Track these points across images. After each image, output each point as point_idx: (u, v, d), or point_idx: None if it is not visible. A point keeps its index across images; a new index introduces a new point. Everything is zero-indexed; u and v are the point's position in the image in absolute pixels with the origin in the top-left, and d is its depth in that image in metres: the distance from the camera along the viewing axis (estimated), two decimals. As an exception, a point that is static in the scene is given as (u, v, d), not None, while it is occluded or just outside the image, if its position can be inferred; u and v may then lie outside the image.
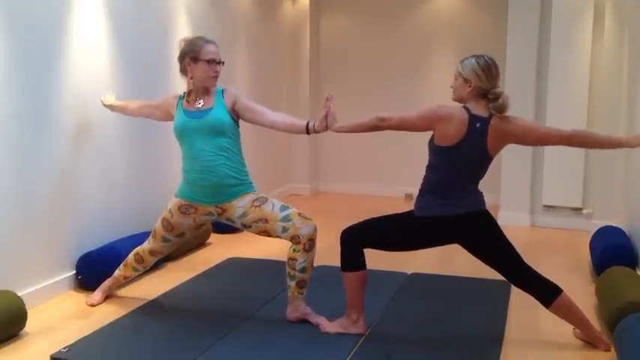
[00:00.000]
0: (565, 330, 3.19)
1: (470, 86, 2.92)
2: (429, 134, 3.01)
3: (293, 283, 3.25)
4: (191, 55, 3.26)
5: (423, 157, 3.08)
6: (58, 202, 3.69)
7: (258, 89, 6.29)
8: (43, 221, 3.58)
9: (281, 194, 6.65)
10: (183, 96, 3.37)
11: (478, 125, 2.89)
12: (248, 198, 3.28)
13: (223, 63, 3.33)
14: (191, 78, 3.29)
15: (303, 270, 3.22)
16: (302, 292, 3.28)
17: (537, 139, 3.09)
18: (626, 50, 4.96)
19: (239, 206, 3.26)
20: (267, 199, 3.29)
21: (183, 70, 3.32)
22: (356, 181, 7.21)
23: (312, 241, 3.20)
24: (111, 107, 3.82)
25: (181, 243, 3.64)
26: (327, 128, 3.13)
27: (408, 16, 6.90)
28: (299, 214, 3.23)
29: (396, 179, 6.94)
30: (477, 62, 2.92)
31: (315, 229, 3.23)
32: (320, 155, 7.36)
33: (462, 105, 2.95)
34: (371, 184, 7.13)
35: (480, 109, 2.92)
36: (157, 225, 3.44)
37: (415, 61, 6.90)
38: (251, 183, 3.35)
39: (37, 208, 3.54)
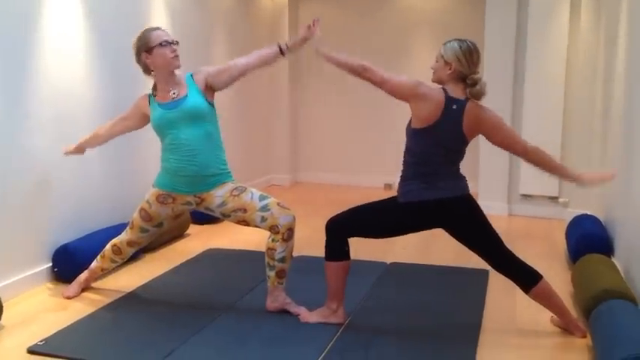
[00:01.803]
0: (542, 318, 3.23)
1: (450, 69, 2.93)
2: (405, 120, 3.02)
3: (272, 273, 3.25)
4: (144, 47, 3.21)
5: (402, 147, 3.08)
6: (34, 194, 3.64)
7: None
8: (18, 214, 3.53)
9: (260, 185, 6.64)
10: (153, 92, 3.31)
11: (454, 107, 2.90)
12: (227, 187, 3.27)
13: (178, 42, 3.27)
14: (153, 71, 3.24)
15: (282, 260, 3.22)
16: (282, 282, 3.27)
17: (504, 137, 3.02)
18: (602, 40, 5.01)
19: (218, 195, 3.25)
20: (245, 188, 3.28)
21: (146, 68, 3.26)
22: (336, 172, 7.22)
23: (290, 230, 3.20)
24: (79, 148, 3.66)
25: (159, 233, 3.61)
26: (305, 41, 3.14)
27: (386, 4, 6.89)
28: (278, 204, 3.22)
29: (375, 169, 6.96)
30: (460, 46, 2.94)
31: (294, 219, 3.22)
32: (299, 145, 7.35)
33: (441, 87, 2.96)
34: (350, 174, 7.15)
35: (457, 92, 2.93)
36: (135, 215, 3.41)
37: (395, 49, 6.90)
38: (229, 172, 3.34)
39: (12, 200, 3.49)
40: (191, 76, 3.29)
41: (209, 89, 3.28)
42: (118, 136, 3.56)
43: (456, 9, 6.69)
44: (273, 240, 3.20)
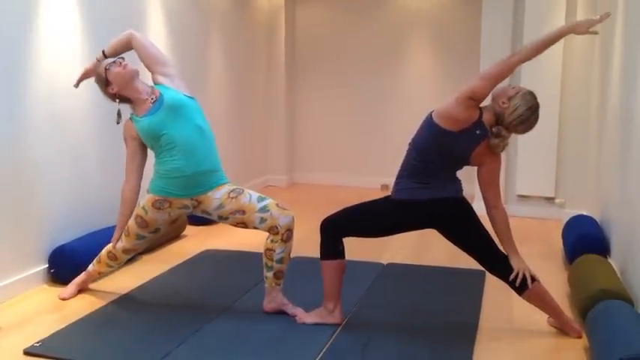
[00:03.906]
0: (538, 318, 3.23)
1: (502, 105, 2.92)
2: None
3: (270, 274, 3.25)
4: (103, 83, 3.28)
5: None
6: (30, 194, 3.63)
7: (233, 81, 6.26)
8: (14, 214, 3.52)
9: (257, 186, 6.63)
10: (132, 111, 3.31)
11: (477, 132, 2.93)
12: (224, 190, 3.26)
13: (123, 58, 3.30)
14: (122, 96, 3.26)
15: (280, 260, 3.22)
16: (279, 282, 3.27)
17: (491, 181, 3.07)
18: (598, 41, 5.03)
19: (215, 198, 3.24)
20: (243, 190, 3.28)
21: (120, 97, 3.28)
22: (332, 172, 7.22)
23: (290, 231, 3.20)
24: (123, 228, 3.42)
25: (155, 239, 3.59)
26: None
27: (383, 4, 6.89)
28: (277, 205, 3.23)
29: (372, 170, 6.96)
30: (528, 108, 2.90)
31: (293, 220, 3.23)
32: (296, 146, 7.34)
33: (484, 106, 2.96)
34: (347, 174, 7.14)
35: (488, 122, 2.95)
36: (131, 223, 3.36)
37: (391, 49, 6.90)
38: (223, 172, 3.33)
39: (8, 201, 3.48)
40: (155, 84, 3.33)
41: (169, 78, 3.30)
42: (142, 174, 3.40)
43: (452, 9, 6.69)
44: (272, 241, 3.20)
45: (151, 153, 3.35)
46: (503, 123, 2.93)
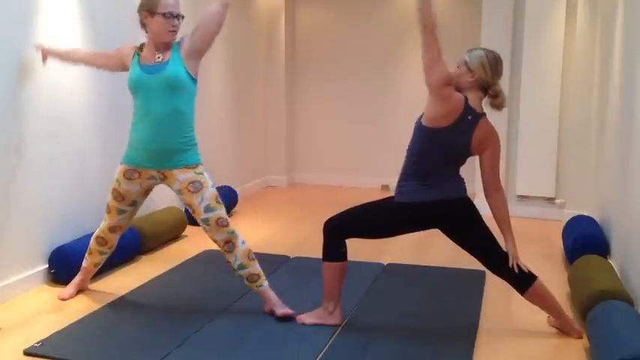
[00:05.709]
0: (538, 318, 3.23)
1: (472, 77, 2.92)
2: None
3: (246, 282, 3.29)
4: (147, 7, 3.14)
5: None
6: (31, 194, 3.63)
7: (233, 81, 6.26)
8: (14, 214, 3.52)
9: (257, 186, 6.63)
10: (141, 48, 3.26)
11: (469, 118, 2.91)
12: (188, 175, 3.20)
13: (183, 17, 3.21)
14: (147, 31, 3.21)
15: (241, 267, 3.25)
16: (260, 283, 3.29)
17: (493, 164, 3.04)
18: (598, 41, 5.03)
19: (178, 180, 3.22)
20: (202, 187, 3.20)
21: (142, 24, 3.21)
22: (332, 173, 7.22)
23: (229, 242, 3.23)
24: (48, 52, 3.55)
25: (135, 214, 3.50)
26: None
27: (383, 6, 6.89)
28: (217, 222, 3.19)
29: (372, 170, 6.96)
30: (486, 55, 2.94)
31: (231, 233, 3.21)
32: (296, 146, 7.34)
33: (463, 95, 2.93)
34: (347, 175, 7.14)
35: (475, 103, 2.94)
36: (109, 199, 3.38)
37: (391, 51, 6.91)
38: (196, 152, 3.27)
39: (9, 201, 3.48)
40: (178, 43, 3.22)
41: (192, 56, 3.19)
42: (93, 66, 3.53)
43: (452, 11, 6.69)
44: (222, 252, 3.27)
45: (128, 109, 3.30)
46: (489, 84, 2.92)
